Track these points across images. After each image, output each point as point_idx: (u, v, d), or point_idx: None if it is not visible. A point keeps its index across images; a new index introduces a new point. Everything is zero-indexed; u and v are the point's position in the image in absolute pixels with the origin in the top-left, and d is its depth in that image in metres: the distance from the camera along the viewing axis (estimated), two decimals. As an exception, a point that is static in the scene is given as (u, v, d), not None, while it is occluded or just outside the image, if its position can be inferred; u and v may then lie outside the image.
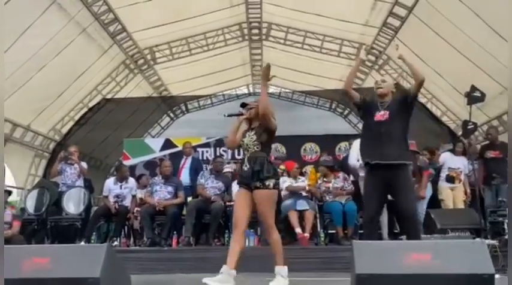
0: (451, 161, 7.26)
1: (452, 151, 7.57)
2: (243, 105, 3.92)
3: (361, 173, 6.14)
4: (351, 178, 6.86)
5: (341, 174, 6.96)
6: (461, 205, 7.03)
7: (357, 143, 6.38)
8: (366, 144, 4.35)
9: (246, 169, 3.75)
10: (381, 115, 4.15)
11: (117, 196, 6.99)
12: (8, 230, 5.86)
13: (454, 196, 7.07)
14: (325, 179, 6.88)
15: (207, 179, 6.84)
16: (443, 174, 7.21)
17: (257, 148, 3.78)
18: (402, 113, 4.13)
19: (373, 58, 12.44)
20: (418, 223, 3.49)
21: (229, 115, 3.89)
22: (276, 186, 3.71)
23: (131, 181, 7.34)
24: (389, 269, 2.09)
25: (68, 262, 2.14)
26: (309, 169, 9.16)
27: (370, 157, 4.14)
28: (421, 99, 11.81)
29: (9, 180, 11.20)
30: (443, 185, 7.19)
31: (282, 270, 3.70)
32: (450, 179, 7.13)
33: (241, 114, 3.88)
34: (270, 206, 3.69)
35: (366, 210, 4.32)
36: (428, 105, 11.81)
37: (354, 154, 6.33)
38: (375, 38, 11.58)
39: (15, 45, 8.72)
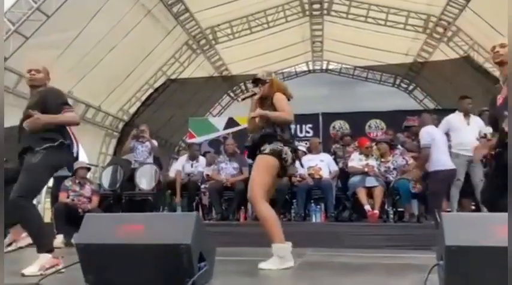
0: None
1: None
2: (255, 81, 3.54)
3: None
4: None
5: (397, 151, 6.80)
6: None
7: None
8: None
9: (250, 144, 3.44)
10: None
11: (187, 174, 7.23)
12: (88, 204, 6.24)
13: None
14: (382, 159, 6.73)
15: None
16: None
17: (262, 122, 3.40)
18: None
19: (441, 30, 11.85)
20: None
21: (244, 99, 3.56)
22: (273, 152, 3.23)
23: (201, 160, 7.56)
24: (482, 241, 2.02)
25: (161, 229, 2.24)
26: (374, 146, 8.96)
27: None
28: (496, 73, 11.14)
29: (83, 158, 11.84)
30: None
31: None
32: None
33: (255, 94, 3.50)
34: (261, 170, 3.23)
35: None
36: None
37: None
38: (444, 8, 11.00)
39: (87, 28, 9.14)
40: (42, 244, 3.16)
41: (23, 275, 2.88)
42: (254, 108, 3.47)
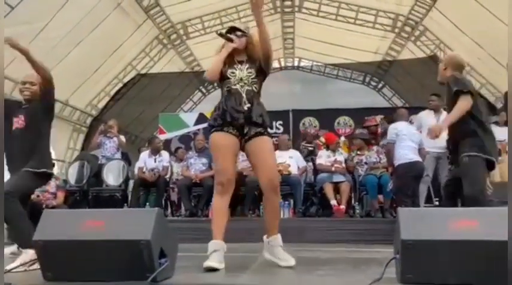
0: (496, 133, 6.87)
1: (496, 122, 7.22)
2: (233, 29, 3.11)
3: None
4: None
5: (375, 147, 6.92)
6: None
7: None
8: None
9: (246, 108, 2.98)
10: None
11: (151, 170, 7.04)
12: (53, 200, 6.13)
13: (501, 170, 6.71)
14: (359, 152, 6.86)
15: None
16: None
17: (255, 87, 3.05)
18: None
19: (409, 29, 12.09)
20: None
21: (220, 34, 3.08)
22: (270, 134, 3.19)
23: (165, 154, 7.38)
24: (435, 235, 2.09)
25: (121, 225, 2.23)
26: (341, 142, 9.07)
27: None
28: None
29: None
30: None
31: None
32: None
33: (231, 40, 3.05)
34: (272, 154, 3.11)
35: None
36: (467, 78, 11.40)
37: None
38: (412, 8, 11.23)
39: (53, 21, 8.91)
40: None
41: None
42: (224, 53, 3.05)
